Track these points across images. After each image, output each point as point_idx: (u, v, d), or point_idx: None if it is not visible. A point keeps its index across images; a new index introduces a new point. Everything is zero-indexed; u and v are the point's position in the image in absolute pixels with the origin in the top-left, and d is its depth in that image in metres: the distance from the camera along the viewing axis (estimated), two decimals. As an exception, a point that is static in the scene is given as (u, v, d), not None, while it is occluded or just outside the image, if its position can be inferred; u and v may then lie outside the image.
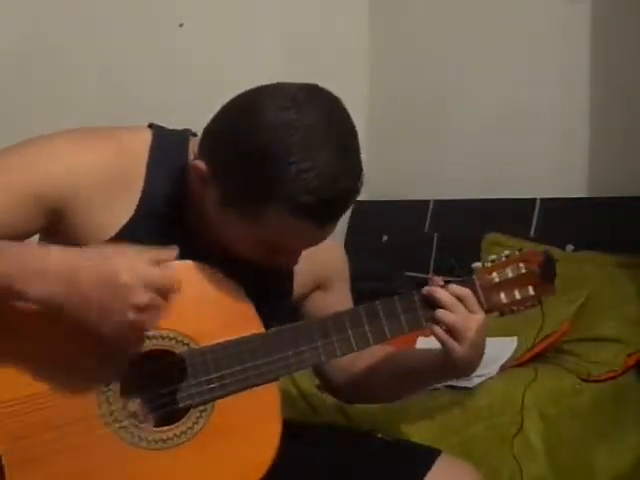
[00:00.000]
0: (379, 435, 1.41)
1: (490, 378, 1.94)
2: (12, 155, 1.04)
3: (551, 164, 2.78)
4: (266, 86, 1.04)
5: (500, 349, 2.06)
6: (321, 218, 1.03)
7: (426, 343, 2.07)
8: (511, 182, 2.84)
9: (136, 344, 0.99)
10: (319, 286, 1.29)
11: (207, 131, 1.07)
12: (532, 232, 2.67)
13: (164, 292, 0.95)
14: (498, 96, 2.95)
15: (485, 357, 2.00)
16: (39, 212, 1.04)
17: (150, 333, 1.01)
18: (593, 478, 1.99)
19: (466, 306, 1.14)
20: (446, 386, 1.89)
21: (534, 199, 2.73)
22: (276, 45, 2.97)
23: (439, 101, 3.17)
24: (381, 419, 1.57)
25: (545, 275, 1.20)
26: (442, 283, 1.16)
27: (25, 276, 0.92)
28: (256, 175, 0.99)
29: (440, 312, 1.14)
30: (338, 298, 1.30)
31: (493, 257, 1.20)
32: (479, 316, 1.15)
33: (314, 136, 0.99)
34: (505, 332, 2.11)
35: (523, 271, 1.20)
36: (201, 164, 1.04)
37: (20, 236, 1.04)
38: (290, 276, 1.24)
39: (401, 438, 1.42)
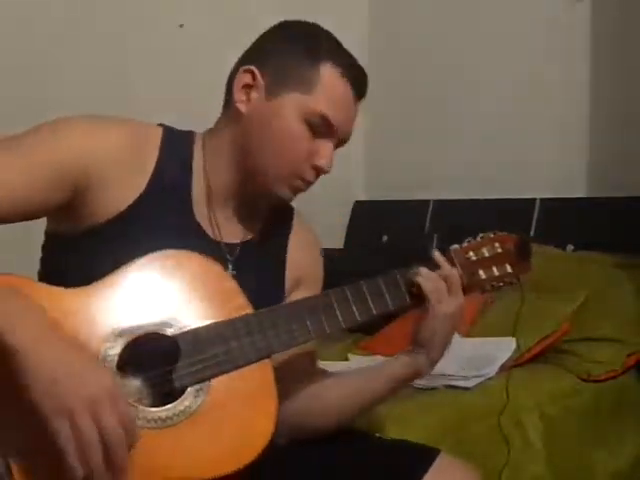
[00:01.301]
0: (378, 435, 1.41)
1: (490, 378, 1.94)
2: (40, 132, 1.10)
3: (551, 164, 2.78)
4: None
5: (500, 349, 2.07)
6: (357, 83, 1.20)
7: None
8: (511, 182, 2.84)
9: (60, 440, 0.91)
10: (297, 285, 1.31)
11: (243, 56, 1.22)
12: (532, 232, 2.67)
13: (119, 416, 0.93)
14: (498, 96, 2.95)
15: (484, 357, 2.02)
16: (63, 185, 1.08)
17: (143, 318, 1.04)
18: (593, 478, 1.99)
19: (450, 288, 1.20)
20: (446, 386, 1.89)
21: (534, 199, 2.73)
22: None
23: (439, 101, 3.17)
24: (380, 419, 1.57)
25: (520, 253, 1.23)
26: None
27: (9, 319, 0.92)
28: (308, 46, 1.19)
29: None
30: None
31: (469, 239, 1.24)
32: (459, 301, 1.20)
33: (332, 36, 1.24)
34: (505, 332, 2.11)
35: (499, 250, 1.24)
36: (249, 67, 1.17)
37: (38, 211, 1.09)
38: (282, 275, 1.27)
39: (400, 438, 1.42)
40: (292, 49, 1.19)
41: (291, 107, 1.16)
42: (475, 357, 2.02)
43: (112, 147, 1.11)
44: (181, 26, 2.93)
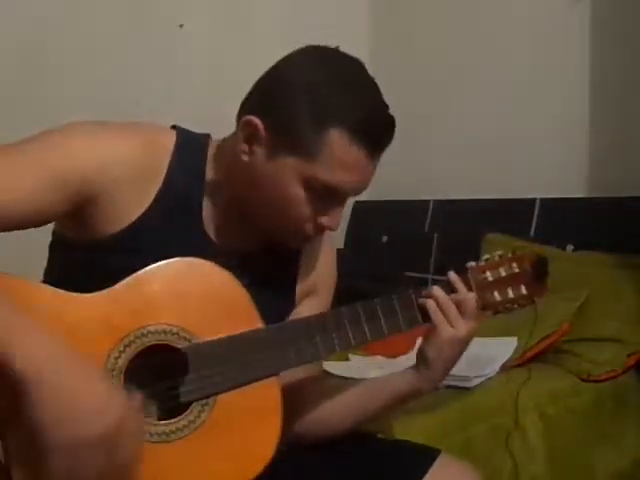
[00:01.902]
0: (379, 435, 1.41)
1: (490, 378, 1.94)
2: (44, 141, 1.07)
3: (551, 164, 2.78)
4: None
5: (500, 349, 2.06)
6: (373, 143, 1.09)
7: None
8: (511, 182, 2.84)
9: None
10: (309, 293, 1.29)
11: (254, 91, 1.14)
12: (532, 232, 2.67)
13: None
14: (498, 96, 2.95)
15: (485, 357, 2.02)
16: (66, 195, 1.05)
17: (152, 328, 1.03)
18: (593, 478, 1.99)
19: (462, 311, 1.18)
20: (446, 386, 1.89)
21: (534, 199, 2.72)
22: (276, 45, 2.95)
23: (439, 101, 3.17)
24: (381, 419, 1.57)
25: (537, 275, 1.21)
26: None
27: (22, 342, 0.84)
28: (317, 104, 1.07)
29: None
30: (317, 305, 1.29)
31: (487, 256, 1.21)
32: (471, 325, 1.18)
33: (353, 75, 1.12)
34: (505, 332, 2.11)
35: (516, 270, 1.21)
36: (254, 117, 1.09)
37: (43, 219, 1.06)
38: (293, 286, 1.26)
39: (401, 438, 1.42)
40: (298, 106, 1.08)
41: (293, 173, 1.08)
42: (476, 357, 2.02)
43: (127, 156, 1.08)
44: (181, 26, 2.93)
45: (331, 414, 1.27)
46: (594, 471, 2.00)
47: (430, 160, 3.19)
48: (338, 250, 3.65)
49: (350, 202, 3.43)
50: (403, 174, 3.29)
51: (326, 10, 3.13)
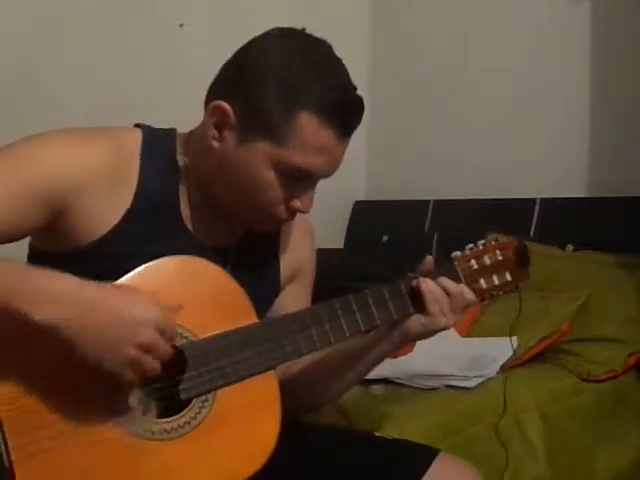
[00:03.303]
0: (378, 435, 1.41)
1: (490, 378, 1.94)
2: (10, 154, 1.06)
3: (551, 164, 2.78)
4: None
5: (500, 349, 2.06)
6: (342, 125, 1.09)
7: (426, 346, 2.07)
8: (511, 182, 2.84)
9: (131, 382, 0.98)
10: (293, 277, 1.31)
11: (221, 75, 1.14)
12: (532, 232, 2.67)
13: (169, 338, 0.98)
14: (498, 96, 2.95)
15: (485, 357, 2.02)
16: (40, 209, 1.05)
17: None
18: (593, 478, 1.99)
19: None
20: (446, 386, 1.89)
21: (534, 199, 2.73)
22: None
23: (439, 101, 3.17)
24: (381, 419, 1.57)
25: (520, 261, 1.24)
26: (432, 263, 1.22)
27: (35, 300, 0.92)
28: (285, 88, 1.07)
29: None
30: (301, 290, 1.31)
31: (471, 245, 1.24)
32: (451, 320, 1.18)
33: (321, 57, 1.11)
34: (505, 332, 2.11)
35: (500, 258, 1.23)
36: (223, 103, 1.09)
37: (18, 234, 1.06)
38: (276, 272, 1.27)
39: (400, 438, 1.42)
40: (267, 91, 1.08)
41: (263, 157, 1.09)
42: (476, 357, 2.02)
43: (97, 165, 1.08)
44: (181, 26, 2.93)
45: (315, 383, 1.28)
46: (594, 471, 2.00)
47: (430, 160, 3.19)
48: (338, 250, 3.65)
49: (350, 202, 3.43)
50: (403, 174, 3.29)
51: (326, 11, 3.14)
